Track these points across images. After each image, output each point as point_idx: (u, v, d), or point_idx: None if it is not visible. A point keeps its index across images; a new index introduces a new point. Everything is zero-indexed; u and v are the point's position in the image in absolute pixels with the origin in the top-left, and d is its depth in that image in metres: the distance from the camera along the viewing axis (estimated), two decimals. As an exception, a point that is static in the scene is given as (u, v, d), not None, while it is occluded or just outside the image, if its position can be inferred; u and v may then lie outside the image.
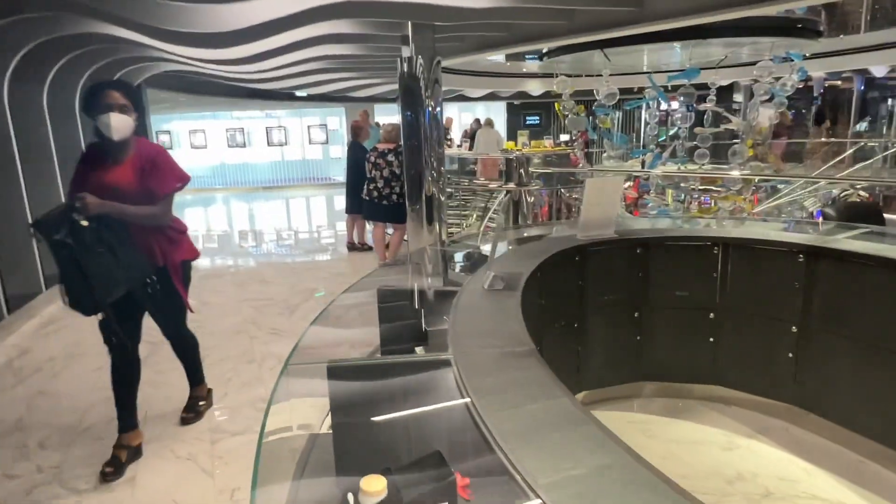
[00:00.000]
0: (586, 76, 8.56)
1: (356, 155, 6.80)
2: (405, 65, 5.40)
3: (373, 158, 5.97)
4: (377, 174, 5.93)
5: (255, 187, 16.17)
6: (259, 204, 12.96)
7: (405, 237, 6.24)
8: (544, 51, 9.48)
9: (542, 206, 6.93)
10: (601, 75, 7.87)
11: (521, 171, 5.09)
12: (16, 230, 4.88)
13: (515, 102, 17.64)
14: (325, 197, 14.27)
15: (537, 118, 18.03)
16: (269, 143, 16.64)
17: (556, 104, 9.23)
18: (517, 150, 12.16)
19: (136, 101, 2.61)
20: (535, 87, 13.00)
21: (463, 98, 15.75)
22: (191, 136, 16.40)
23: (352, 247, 7.07)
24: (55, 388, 3.57)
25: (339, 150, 17.14)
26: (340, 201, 13.97)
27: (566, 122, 8.70)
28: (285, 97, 12.71)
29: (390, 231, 6.25)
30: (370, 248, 7.07)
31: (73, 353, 4.04)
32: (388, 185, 5.90)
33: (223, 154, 16.13)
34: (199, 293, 5.39)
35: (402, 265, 6.26)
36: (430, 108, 5.42)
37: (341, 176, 17.60)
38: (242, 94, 11.59)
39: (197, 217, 11.33)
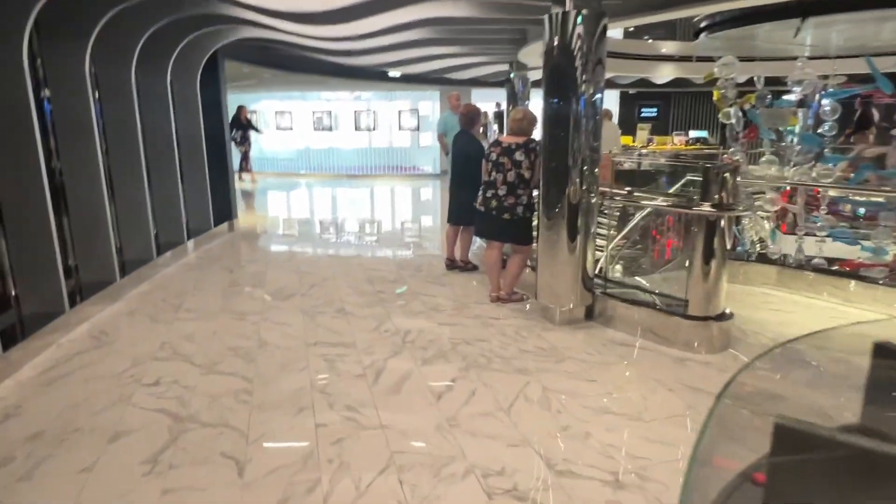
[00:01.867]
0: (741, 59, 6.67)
1: (466, 149, 5.27)
2: (555, 29, 3.78)
3: (494, 156, 4.40)
4: (499, 177, 4.37)
5: (339, 174, 15.11)
6: (342, 193, 11.81)
7: (528, 263, 4.66)
8: (702, 25, 7.54)
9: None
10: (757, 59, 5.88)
11: (725, 186, 3.36)
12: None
13: (631, 91, 15.51)
14: (412, 190, 12.92)
15: (655, 110, 15.81)
16: (357, 128, 15.51)
17: (714, 92, 7.18)
18: (638, 146, 10.22)
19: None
20: (665, 73, 10.94)
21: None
22: (277, 118, 15.56)
23: (451, 265, 5.57)
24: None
25: (430, 138, 15.78)
26: (430, 195, 12.73)
27: (721, 114, 6.78)
28: (376, 77, 11.40)
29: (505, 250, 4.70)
30: (474, 268, 5.55)
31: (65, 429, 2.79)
32: (514, 194, 4.33)
33: (308, 137, 15.16)
34: (261, 322, 4.08)
35: (521, 301, 4.79)
36: (586, 95, 3.79)
37: (430, 167, 16.39)
38: (329, 72, 10.37)
39: (278, 204, 10.31)
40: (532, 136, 4.38)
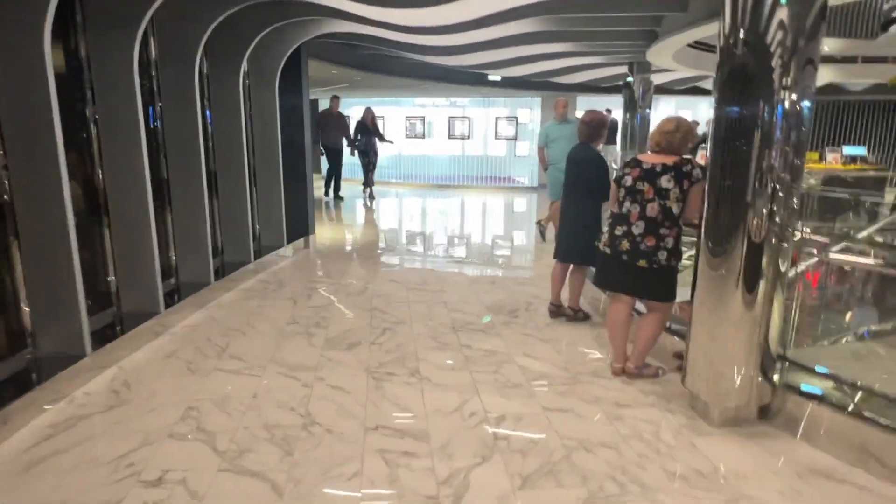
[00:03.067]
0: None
1: (584, 167, 4.13)
2: (741, 11, 2.59)
3: (630, 180, 3.24)
4: (634, 209, 3.20)
5: (430, 184, 14.32)
6: (432, 205, 10.91)
7: (666, 324, 3.44)
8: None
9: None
10: None
11: None
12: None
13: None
14: (507, 205, 11.82)
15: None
16: (451, 136, 14.67)
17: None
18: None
19: None
20: (821, 77, 9.11)
21: (697, 91, 12.21)
22: (369, 123, 15.07)
23: (556, 311, 4.44)
24: None
25: (527, 148, 14.63)
26: (525, 208, 11.53)
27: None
28: (474, 80, 10.44)
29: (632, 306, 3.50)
30: (585, 317, 4.38)
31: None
32: (655, 233, 3.14)
33: (401, 144, 14.50)
34: (314, 384, 3.16)
35: (655, 377, 3.60)
36: (786, 101, 2.56)
37: (526, 178, 15.18)
38: (424, 75, 9.54)
39: (364, 216, 9.60)
40: (687, 157, 3.17)
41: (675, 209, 3.12)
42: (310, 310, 4.62)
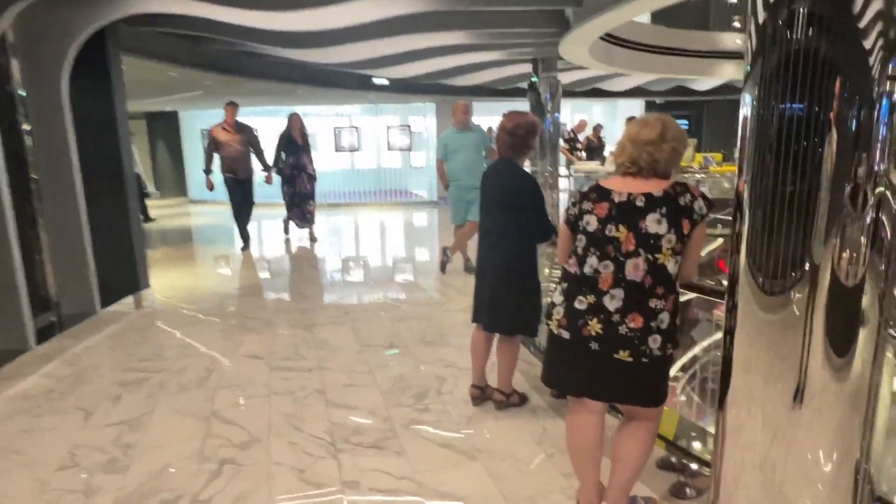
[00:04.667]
0: None
1: (510, 197, 2.87)
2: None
3: (595, 222, 1.99)
4: (605, 269, 1.97)
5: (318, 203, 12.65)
6: (321, 231, 9.24)
7: (658, 435, 2.24)
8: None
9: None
10: None
11: None
12: None
13: (658, 101, 13.29)
14: (407, 224, 10.50)
15: (687, 122, 13.57)
16: (338, 148, 13.13)
17: None
18: (695, 166, 7.89)
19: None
20: (728, 73, 8.66)
21: (598, 93, 11.61)
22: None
23: (481, 396, 3.15)
24: None
25: (423, 158, 13.44)
26: (427, 225, 10.13)
27: None
28: (357, 84, 9.04)
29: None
30: (521, 401, 3.13)
31: None
32: (641, 306, 1.93)
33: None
34: None
35: None
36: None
37: (425, 191, 13.90)
38: (293, 77, 8.00)
39: (227, 250, 7.76)
40: (681, 181, 1.99)
41: (672, 266, 1.92)
42: (106, 430, 2.98)
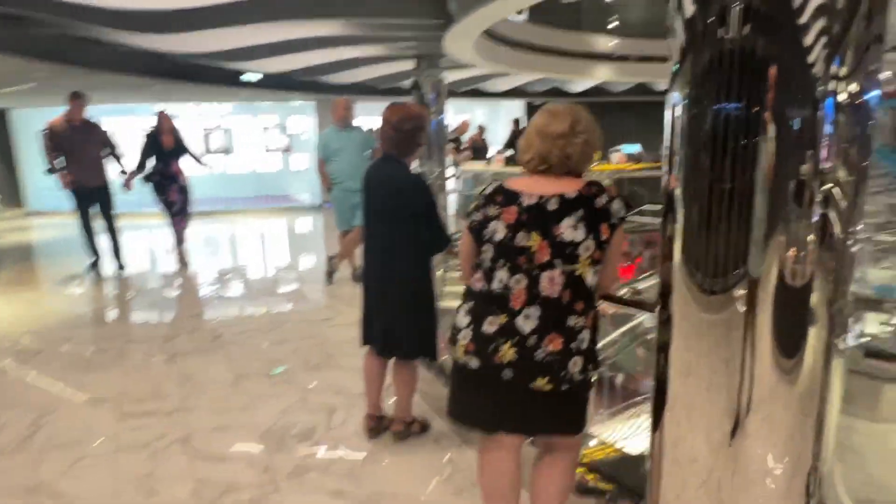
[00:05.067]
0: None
1: (398, 200, 2.51)
2: None
3: (502, 229, 1.71)
4: (517, 283, 1.69)
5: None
6: (192, 242, 8.25)
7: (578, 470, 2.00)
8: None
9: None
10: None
11: None
12: None
13: (537, 102, 13.60)
14: (290, 230, 9.81)
15: (565, 123, 14.00)
16: (207, 150, 12.05)
17: None
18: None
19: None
20: (601, 75, 8.95)
21: (477, 94, 11.62)
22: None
23: (377, 427, 2.78)
24: None
25: (305, 160, 12.72)
26: (313, 230, 9.40)
27: None
28: (225, 80, 8.23)
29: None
30: (424, 428, 2.81)
31: None
32: (559, 325, 1.67)
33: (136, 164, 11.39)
34: None
35: None
36: (840, 94, 1.21)
37: (308, 195, 13.07)
38: (149, 71, 7.08)
39: (61, 271, 6.54)
40: (595, 180, 1.75)
41: (591, 277, 1.68)
42: None
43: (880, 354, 2.24)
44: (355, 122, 5.46)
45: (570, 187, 1.69)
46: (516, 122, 12.36)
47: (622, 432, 3.08)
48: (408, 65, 7.11)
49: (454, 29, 4.59)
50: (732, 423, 1.39)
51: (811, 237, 1.27)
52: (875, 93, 1.25)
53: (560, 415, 1.76)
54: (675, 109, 1.40)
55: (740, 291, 1.32)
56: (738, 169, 1.28)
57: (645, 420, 2.15)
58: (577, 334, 1.68)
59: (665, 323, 1.51)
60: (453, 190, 9.54)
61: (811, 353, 1.36)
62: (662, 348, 1.52)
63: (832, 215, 1.27)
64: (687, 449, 1.49)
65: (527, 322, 1.67)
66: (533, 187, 1.72)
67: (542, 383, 1.67)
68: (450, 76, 8.15)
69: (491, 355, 1.71)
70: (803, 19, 1.21)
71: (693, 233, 1.39)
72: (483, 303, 1.75)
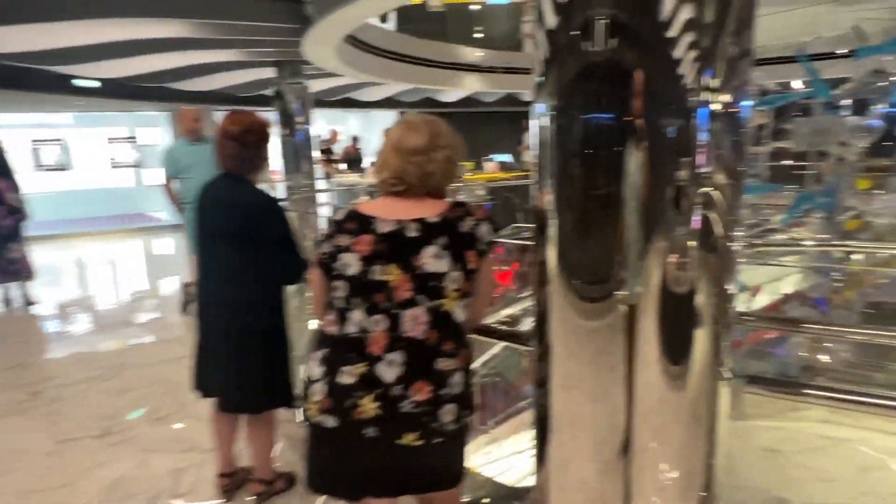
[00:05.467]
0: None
1: (244, 226, 2.15)
2: None
3: (357, 262, 1.44)
4: (376, 325, 1.44)
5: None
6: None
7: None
8: None
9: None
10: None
11: None
12: None
13: (410, 112, 13.54)
14: (145, 252, 8.79)
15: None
16: (38, 166, 10.55)
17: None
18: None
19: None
20: (470, 86, 9.01)
21: (349, 103, 11.28)
22: None
23: (232, 484, 2.39)
24: None
25: (160, 175, 11.57)
26: (173, 253, 8.25)
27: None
28: (53, 86, 7.18)
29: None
30: (290, 484, 2.45)
31: None
32: (426, 370, 1.44)
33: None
34: None
35: None
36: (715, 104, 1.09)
37: (165, 213, 11.76)
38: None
39: None
40: (459, 201, 1.55)
41: (460, 313, 1.47)
42: None
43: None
44: (208, 134, 4.94)
45: (431, 210, 1.47)
46: (355, 138, 12.20)
47: (505, 453, 2.94)
48: (268, 72, 6.62)
49: (312, 33, 4.27)
50: (621, 437, 1.25)
51: (691, 239, 1.18)
52: (747, 103, 1.18)
53: (434, 470, 1.54)
54: (541, 119, 1.25)
55: (622, 298, 1.19)
56: (611, 175, 1.16)
57: (529, 434, 1.99)
58: (448, 378, 1.46)
59: (542, 357, 1.34)
60: (325, 203, 9.12)
61: (699, 357, 1.26)
62: (541, 383, 1.35)
63: (713, 217, 1.18)
64: (573, 471, 1.33)
65: (389, 370, 1.42)
66: (389, 211, 1.48)
67: (410, 439, 1.43)
68: (316, 85, 7.77)
69: (349, 411, 1.43)
70: (671, 33, 1.11)
71: (568, 238, 1.24)
72: (338, 349, 1.47)
